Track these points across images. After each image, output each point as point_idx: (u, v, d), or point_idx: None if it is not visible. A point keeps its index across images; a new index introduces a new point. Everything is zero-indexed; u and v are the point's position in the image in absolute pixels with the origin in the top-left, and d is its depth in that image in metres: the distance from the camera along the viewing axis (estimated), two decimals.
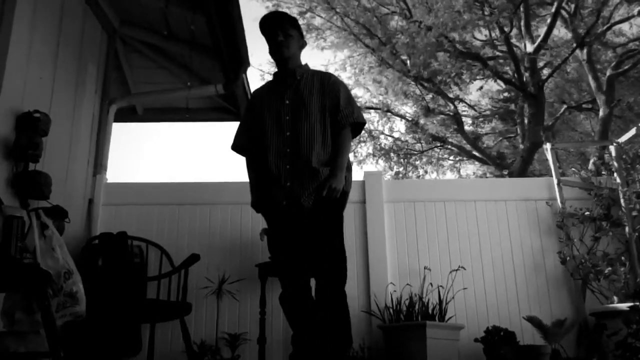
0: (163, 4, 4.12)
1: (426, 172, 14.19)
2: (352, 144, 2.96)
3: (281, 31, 2.74)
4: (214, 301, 3.94)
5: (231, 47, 4.02)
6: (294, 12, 12.27)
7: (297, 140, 2.67)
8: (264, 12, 12.21)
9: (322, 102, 2.74)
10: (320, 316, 2.55)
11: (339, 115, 2.73)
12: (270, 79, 2.97)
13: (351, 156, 14.15)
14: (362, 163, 13.32)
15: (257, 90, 2.99)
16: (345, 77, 13.08)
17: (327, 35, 12.53)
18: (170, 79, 5.03)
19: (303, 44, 2.89)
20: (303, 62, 2.88)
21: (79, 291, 2.62)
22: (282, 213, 2.66)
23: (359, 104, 13.05)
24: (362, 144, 13.49)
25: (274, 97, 2.81)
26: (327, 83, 2.80)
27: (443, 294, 3.81)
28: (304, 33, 3.06)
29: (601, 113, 10.70)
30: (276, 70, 2.91)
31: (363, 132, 13.31)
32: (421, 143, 13.79)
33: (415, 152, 14.06)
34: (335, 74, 13.09)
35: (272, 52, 2.81)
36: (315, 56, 15.81)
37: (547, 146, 4.52)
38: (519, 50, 11.63)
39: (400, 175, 13.59)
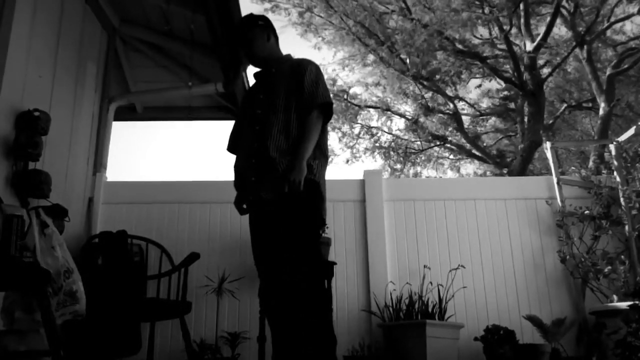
0: (163, 2, 4.12)
1: (423, 168, 14.22)
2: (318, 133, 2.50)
3: (241, 43, 2.63)
4: (213, 300, 3.94)
5: (231, 46, 4.01)
6: (292, 12, 12.23)
7: (263, 132, 2.42)
8: (263, 10, 12.20)
9: (289, 86, 2.49)
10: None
11: (302, 97, 2.45)
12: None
13: (348, 152, 13.91)
14: (358, 159, 13.37)
15: (246, 90, 2.90)
16: (344, 75, 13.08)
17: (326, 36, 12.52)
18: (170, 77, 5.03)
19: (269, 35, 2.64)
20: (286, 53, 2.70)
21: (79, 290, 2.62)
22: (249, 210, 2.51)
23: (358, 102, 13.24)
24: (361, 140, 13.54)
25: (253, 93, 2.66)
26: (296, 66, 2.55)
27: (443, 292, 3.81)
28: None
29: (601, 112, 10.69)
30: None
31: (361, 129, 13.48)
32: (421, 141, 13.79)
33: (415, 151, 14.06)
34: (334, 72, 12.88)
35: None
36: (315, 55, 15.83)
37: (547, 145, 4.53)
38: (518, 49, 11.60)
39: (398, 173, 13.61)
